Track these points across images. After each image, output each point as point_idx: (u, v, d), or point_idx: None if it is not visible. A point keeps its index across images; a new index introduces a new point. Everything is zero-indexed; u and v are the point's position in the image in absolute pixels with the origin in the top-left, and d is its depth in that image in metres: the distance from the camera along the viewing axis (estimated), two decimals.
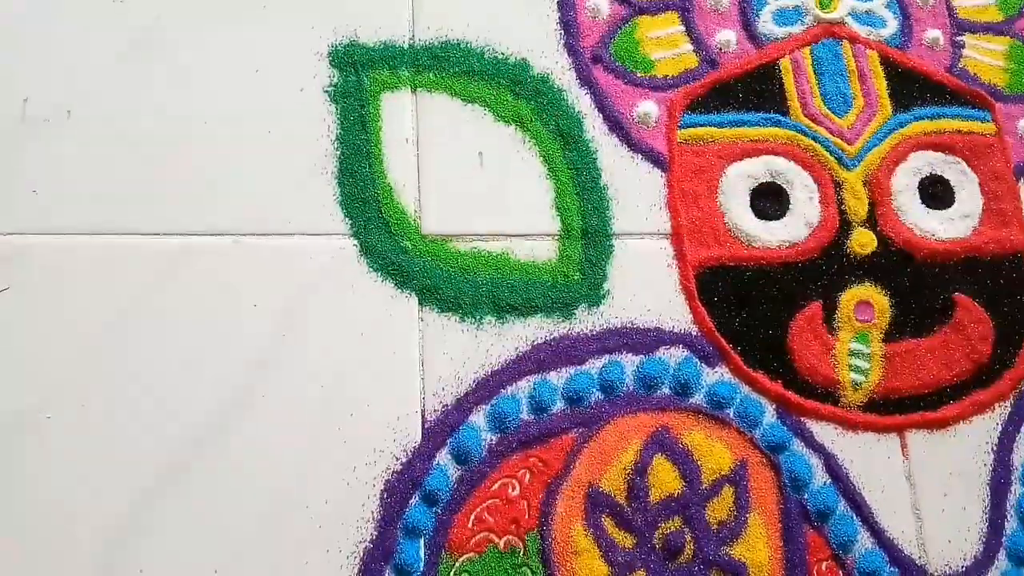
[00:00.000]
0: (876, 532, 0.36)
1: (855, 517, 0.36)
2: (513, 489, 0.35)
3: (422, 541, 0.34)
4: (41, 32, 0.37)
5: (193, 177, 0.36)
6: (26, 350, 0.33)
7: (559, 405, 0.36)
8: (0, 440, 0.32)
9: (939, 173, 0.42)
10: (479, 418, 0.35)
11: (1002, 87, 0.45)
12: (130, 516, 0.32)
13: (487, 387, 0.36)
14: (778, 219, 0.40)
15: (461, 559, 0.34)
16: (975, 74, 0.45)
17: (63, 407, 0.33)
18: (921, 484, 0.37)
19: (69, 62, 0.37)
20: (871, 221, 0.41)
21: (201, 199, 0.36)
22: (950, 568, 0.36)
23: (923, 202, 0.41)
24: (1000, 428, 0.39)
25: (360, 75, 0.39)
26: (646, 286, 0.38)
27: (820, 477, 0.37)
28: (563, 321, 0.37)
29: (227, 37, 0.38)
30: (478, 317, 0.37)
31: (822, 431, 0.37)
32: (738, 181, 0.40)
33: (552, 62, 0.41)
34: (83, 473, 0.32)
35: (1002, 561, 0.36)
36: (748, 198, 0.40)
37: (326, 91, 0.38)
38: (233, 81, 0.38)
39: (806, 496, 0.36)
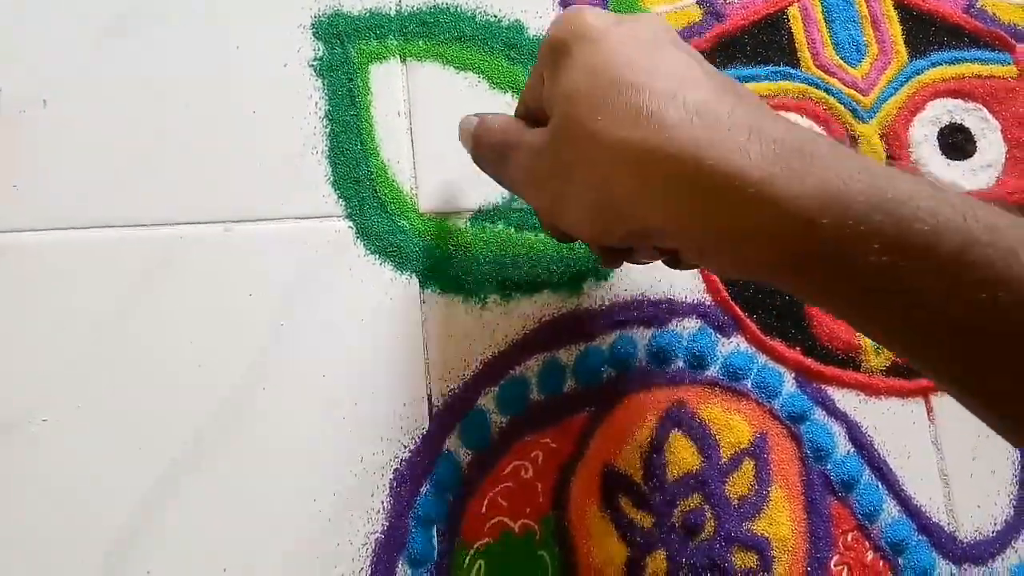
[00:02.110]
0: (903, 500, 0.35)
1: (880, 486, 0.35)
2: (526, 472, 0.34)
3: (435, 529, 0.33)
4: (13, 17, 0.36)
5: (177, 163, 0.35)
6: (15, 351, 0.32)
7: (570, 383, 0.35)
8: None
9: (959, 121, 0.40)
10: (488, 401, 0.34)
11: (1023, 27, 0.43)
12: (134, 517, 0.31)
13: (495, 368, 0.35)
14: None
15: (476, 546, 0.33)
16: (994, 14, 0.43)
17: (58, 409, 0.32)
18: (948, 449, 0.36)
19: (41, 50, 0.35)
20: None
21: (187, 186, 0.35)
22: (980, 534, 0.35)
23: (943, 153, 0.40)
24: None
25: (346, 47, 0.37)
26: None
27: (843, 446, 0.36)
28: (571, 296, 0.36)
29: (206, 14, 0.37)
30: (482, 296, 0.35)
31: (844, 398, 0.36)
32: None
33: (548, 23, 0.39)
34: (83, 475, 0.32)
35: None
36: None
37: (311, 65, 0.37)
38: (214, 60, 0.36)
39: (829, 466, 0.35)
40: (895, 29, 0.41)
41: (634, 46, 0.25)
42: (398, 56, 0.37)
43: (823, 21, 0.41)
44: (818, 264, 0.22)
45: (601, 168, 0.25)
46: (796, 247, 0.22)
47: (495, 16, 0.38)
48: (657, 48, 0.25)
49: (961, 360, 0.22)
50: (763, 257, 0.23)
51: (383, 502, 0.33)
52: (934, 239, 0.21)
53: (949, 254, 0.21)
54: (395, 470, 0.33)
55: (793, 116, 0.39)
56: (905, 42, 0.41)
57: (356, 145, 0.36)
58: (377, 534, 0.32)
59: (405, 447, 0.33)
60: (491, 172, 0.32)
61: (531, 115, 0.30)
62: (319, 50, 0.37)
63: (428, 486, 0.33)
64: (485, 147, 0.31)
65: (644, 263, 0.33)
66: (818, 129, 0.39)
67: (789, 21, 0.41)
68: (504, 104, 0.37)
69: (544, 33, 0.29)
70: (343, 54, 0.37)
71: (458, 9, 0.38)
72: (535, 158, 0.28)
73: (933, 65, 0.41)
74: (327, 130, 0.36)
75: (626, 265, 0.36)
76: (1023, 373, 0.22)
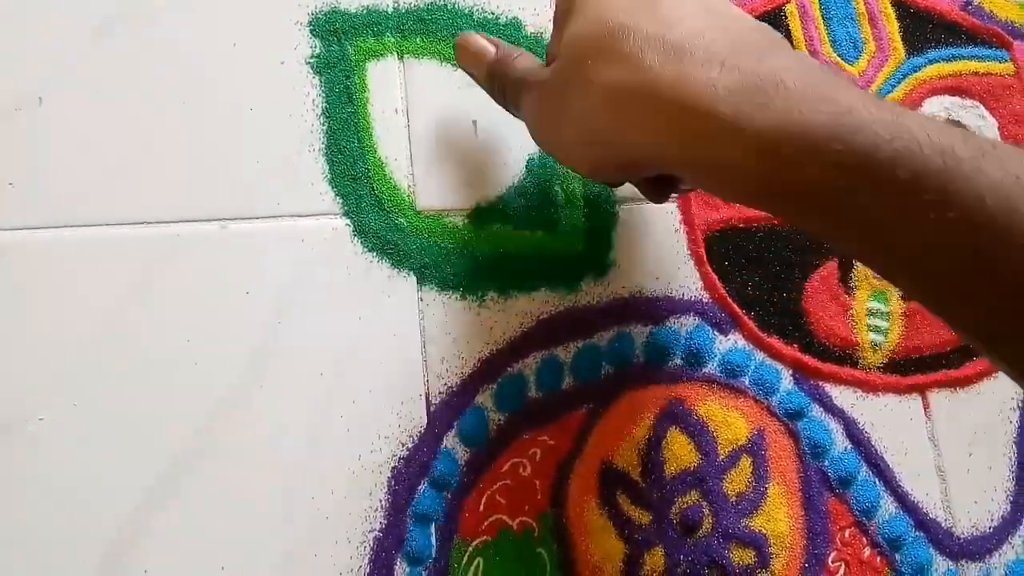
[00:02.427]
0: (900, 496, 0.35)
1: (878, 482, 0.35)
2: (524, 470, 0.34)
3: (433, 527, 0.33)
4: (6, 16, 0.35)
5: (174, 161, 0.35)
6: (12, 350, 0.32)
7: (568, 381, 0.35)
8: None
9: (957, 118, 0.40)
10: (486, 398, 0.34)
11: (1020, 24, 0.43)
12: (131, 516, 0.31)
13: (492, 366, 0.35)
14: None
15: (474, 544, 0.33)
16: (991, 11, 0.43)
17: (55, 408, 0.32)
18: (945, 445, 0.36)
19: (37, 46, 0.35)
20: None
21: (184, 184, 0.34)
22: (977, 529, 0.35)
23: None
24: None
25: (343, 44, 0.37)
26: (653, 253, 0.37)
27: (840, 443, 0.36)
28: (568, 293, 0.36)
29: (201, 11, 0.36)
30: (480, 294, 0.35)
31: (841, 395, 0.36)
32: None
33: (546, 20, 0.39)
34: (80, 474, 0.31)
35: None
36: None
37: (308, 62, 0.36)
38: (210, 57, 0.36)
39: (826, 463, 0.35)
40: (892, 26, 0.41)
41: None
42: (395, 53, 0.37)
43: (820, 18, 0.41)
44: (787, 192, 0.23)
45: (590, 108, 0.27)
46: (764, 177, 0.23)
47: (492, 13, 0.38)
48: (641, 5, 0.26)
49: (922, 279, 0.23)
50: (739, 187, 0.25)
51: (381, 500, 0.33)
52: (889, 165, 0.22)
53: (904, 180, 0.22)
54: (393, 468, 0.33)
55: None
56: (902, 39, 0.41)
57: (353, 142, 0.36)
58: (375, 532, 0.32)
59: (403, 445, 0.33)
60: (500, 103, 0.33)
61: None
62: (316, 47, 0.37)
63: (426, 484, 0.33)
64: (500, 79, 0.32)
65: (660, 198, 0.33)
66: None
67: (787, 18, 0.41)
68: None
69: None
70: (340, 51, 0.37)
71: (455, 6, 0.38)
72: (542, 99, 0.29)
73: (930, 62, 0.41)
74: (324, 127, 0.36)
75: (623, 262, 0.36)
76: (975, 287, 0.22)
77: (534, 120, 0.31)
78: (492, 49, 0.33)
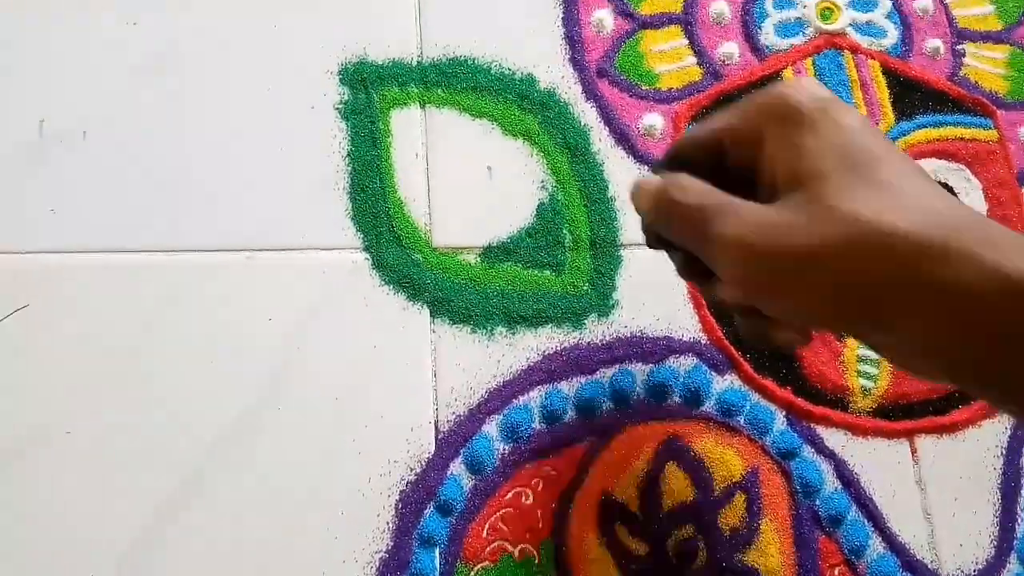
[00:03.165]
0: (888, 537, 0.36)
1: (867, 522, 0.37)
2: (527, 498, 0.35)
3: (437, 551, 0.34)
4: (57, 54, 0.38)
5: (207, 195, 0.37)
6: (46, 366, 0.34)
7: (570, 414, 0.37)
8: (21, 454, 0.33)
9: (944, 180, 0.43)
10: (492, 428, 0.36)
11: (1003, 95, 0.45)
12: (147, 529, 0.33)
13: (499, 397, 0.36)
14: None
15: (476, 568, 0.34)
16: (976, 82, 0.45)
17: (82, 422, 0.33)
18: (932, 488, 0.37)
19: (84, 84, 0.38)
20: None
21: (215, 216, 0.37)
22: (962, 572, 0.36)
23: None
24: (1009, 432, 0.39)
25: (370, 92, 0.39)
26: (655, 295, 0.39)
27: (831, 483, 0.37)
28: (573, 331, 0.38)
29: (239, 57, 0.39)
30: (489, 328, 0.37)
31: (832, 437, 0.38)
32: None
33: (558, 76, 0.41)
34: (101, 486, 0.33)
35: (1013, 564, 0.37)
36: None
37: (337, 108, 0.39)
38: (245, 100, 0.38)
39: (817, 502, 0.37)
40: (883, 93, 0.44)
41: (871, 135, 0.25)
42: (418, 102, 0.40)
43: None
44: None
45: (857, 250, 0.23)
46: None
47: (509, 69, 0.41)
48: (884, 141, 0.25)
49: None
50: (996, 357, 0.23)
51: (388, 522, 0.34)
52: None
53: None
54: (401, 492, 0.34)
55: None
56: (892, 105, 0.44)
57: (375, 183, 0.38)
58: (382, 553, 0.34)
59: (411, 470, 0.35)
60: (676, 240, 0.29)
61: (702, 155, 0.29)
62: (345, 94, 0.39)
63: (432, 508, 0.34)
64: (677, 215, 0.27)
65: (780, 342, 0.30)
66: None
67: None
68: (515, 149, 0.40)
69: (772, 88, 0.27)
70: (367, 99, 0.39)
71: (475, 61, 0.41)
72: (765, 229, 0.25)
73: (919, 127, 0.44)
74: (349, 168, 0.38)
75: (626, 304, 0.38)
76: None
77: (745, 243, 0.25)
78: (655, 181, 0.29)
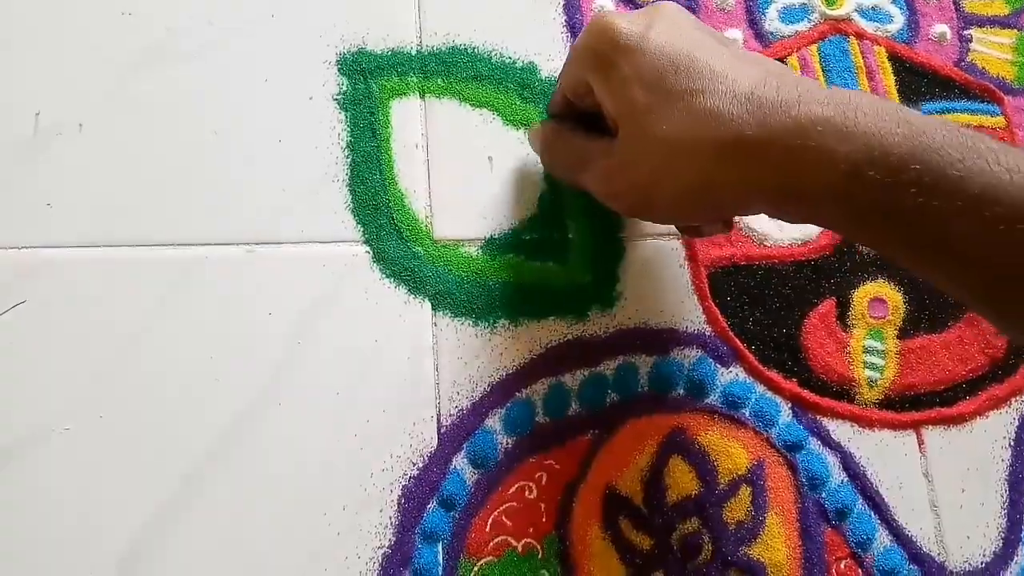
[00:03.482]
0: (894, 529, 0.36)
1: (873, 515, 0.36)
2: (530, 492, 0.35)
3: (440, 546, 0.34)
4: (52, 46, 0.38)
5: (205, 187, 0.37)
6: (43, 362, 0.34)
7: (574, 407, 0.36)
8: (20, 451, 0.32)
9: None
10: (494, 421, 0.36)
11: (1010, 80, 0.45)
12: (148, 526, 0.32)
13: (502, 390, 0.36)
14: None
15: (480, 563, 0.34)
16: (983, 68, 0.45)
17: (81, 419, 0.33)
18: (939, 480, 0.37)
19: (80, 76, 0.37)
20: None
21: (213, 209, 0.36)
22: (969, 564, 0.36)
23: None
24: (1017, 423, 0.38)
25: (369, 82, 0.39)
26: (658, 287, 0.38)
27: (837, 475, 0.37)
28: (576, 323, 0.37)
29: (236, 48, 0.39)
30: (491, 321, 0.37)
31: (838, 429, 0.37)
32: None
33: (560, 65, 0.41)
34: (101, 484, 0.33)
35: (1021, 556, 0.36)
36: None
37: (335, 99, 0.39)
38: (243, 91, 0.38)
39: (823, 495, 0.36)
40: (889, 80, 0.44)
41: (673, 50, 0.29)
42: (418, 92, 0.39)
43: (820, 70, 0.43)
44: (873, 213, 0.26)
45: (680, 167, 0.28)
46: (852, 199, 0.26)
47: (510, 58, 0.40)
48: (693, 46, 0.29)
49: (982, 283, 0.26)
50: (829, 213, 0.27)
51: (391, 517, 0.34)
52: (961, 183, 0.24)
53: (974, 195, 0.24)
54: (403, 487, 0.34)
55: None
56: (898, 92, 0.43)
57: (375, 174, 0.38)
58: (384, 549, 0.33)
59: (414, 464, 0.35)
60: (565, 178, 0.37)
61: (571, 108, 0.34)
62: (343, 85, 0.39)
63: (435, 503, 0.34)
64: (560, 158, 0.35)
65: (707, 234, 0.36)
66: None
67: None
68: (516, 139, 0.39)
69: (579, 40, 0.32)
70: (366, 89, 0.39)
71: (475, 50, 0.40)
72: (614, 172, 0.31)
73: (925, 114, 0.43)
74: (348, 160, 0.38)
75: (629, 295, 0.38)
76: None
77: (607, 192, 0.33)
78: (547, 128, 0.36)
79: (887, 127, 0.25)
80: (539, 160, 0.38)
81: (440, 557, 0.34)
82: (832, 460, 0.37)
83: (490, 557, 0.34)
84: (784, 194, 0.27)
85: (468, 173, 0.38)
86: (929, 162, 0.25)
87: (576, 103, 0.34)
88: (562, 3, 0.42)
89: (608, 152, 0.31)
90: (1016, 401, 0.39)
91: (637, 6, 0.43)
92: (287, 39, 0.39)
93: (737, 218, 0.39)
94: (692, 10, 0.43)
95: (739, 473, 0.36)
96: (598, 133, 0.32)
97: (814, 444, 0.37)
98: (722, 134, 0.27)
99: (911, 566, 0.36)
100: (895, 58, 0.44)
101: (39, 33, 0.38)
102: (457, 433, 0.35)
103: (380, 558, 0.33)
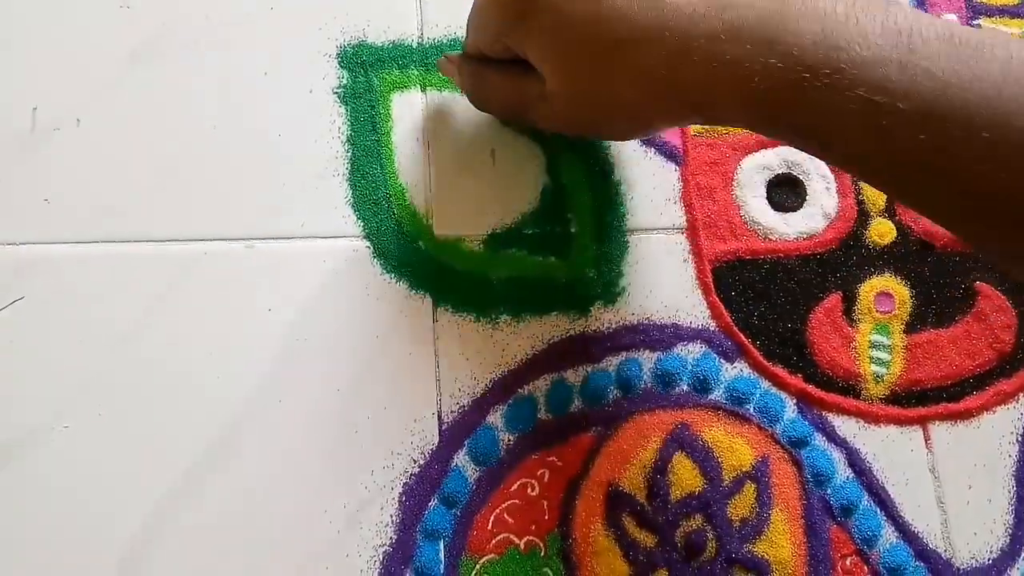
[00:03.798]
0: (900, 526, 0.36)
1: (879, 511, 0.36)
2: (532, 490, 0.35)
3: (442, 544, 0.34)
4: (48, 41, 0.37)
5: (204, 182, 0.36)
6: (42, 359, 0.33)
7: (577, 404, 0.36)
8: (20, 449, 0.32)
9: None
10: (496, 418, 0.35)
11: None
12: (148, 524, 0.32)
13: (504, 387, 0.36)
14: (795, 211, 0.39)
15: (481, 561, 0.34)
16: None
17: (81, 416, 0.33)
18: (945, 476, 0.37)
19: (76, 70, 0.37)
20: (889, 210, 0.40)
21: (213, 204, 0.36)
22: (976, 561, 0.36)
23: None
24: None
25: (369, 75, 0.38)
26: (662, 282, 0.38)
27: (843, 471, 0.36)
28: (579, 319, 0.37)
29: (235, 41, 0.38)
30: (493, 316, 0.36)
31: (844, 425, 0.37)
32: (753, 173, 0.40)
33: None
34: (101, 482, 0.32)
35: None
36: (764, 190, 0.40)
37: (335, 92, 0.38)
38: (242, 84, 0.38)
39: (829, 491, 0.36)
40: None
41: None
42: (419, 85, 0.39)
43: None
44: (758, 98, 0.26)
45: (622, 84, 0.29)
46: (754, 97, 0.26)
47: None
48: None
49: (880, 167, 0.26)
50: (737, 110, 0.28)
51: (392, 515, 0.34)
52: (818, 60, 0.25)
53: (830, 72, 0.24)
54: (404, 484, 0.34)
55: (796, 151, 0.40)
56: None
57: (376, 169, 0.37)
58: (385, 547, 0.33)
59: (415, 462, 0.34)
60: (500, 117, 0.38)
61: (482, 55, 0.35)
62: (343, 78, 0.38)
63: (436, 501, 0.34)
64: (495, 98, 0.36)
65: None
66: (819, 165, 0.40)
67: None
68: (519, 133, 0.39)
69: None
70: (366, 82, 0.38)
71: None
72: (563, 106, 0.32)
73: None
74: (348, 154, 0.37)
75: (633, 290, 0.37)
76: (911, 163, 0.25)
77: (562, 125, 0.34)
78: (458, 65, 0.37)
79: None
80: (546, 167, 0.38)
81: (442, 555, 0.33)
82: (838, 456, 0.37)
83: (492, 555, 0.34)
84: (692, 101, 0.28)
85: (470, 167, 0.38)
86: (785, 40, 0.25)
87: (490, 54, 0.34)
88: None
89: (543, 95, 0.32)
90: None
91: None
92: (286, 32, 0.39)
93: (742, 213, 0.39)
94: None
95: (743, 469, 0.36)
96: (519, 68, 0.32)
97: (819, 440, 0.37)
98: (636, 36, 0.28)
99: (917, 563, 0.36)
100: None
101: (35, 27, 0.37)
102: (459, 430, 0.35)
103: (381, 556, 0.33)
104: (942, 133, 0.24)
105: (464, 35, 0.39)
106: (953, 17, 0.44)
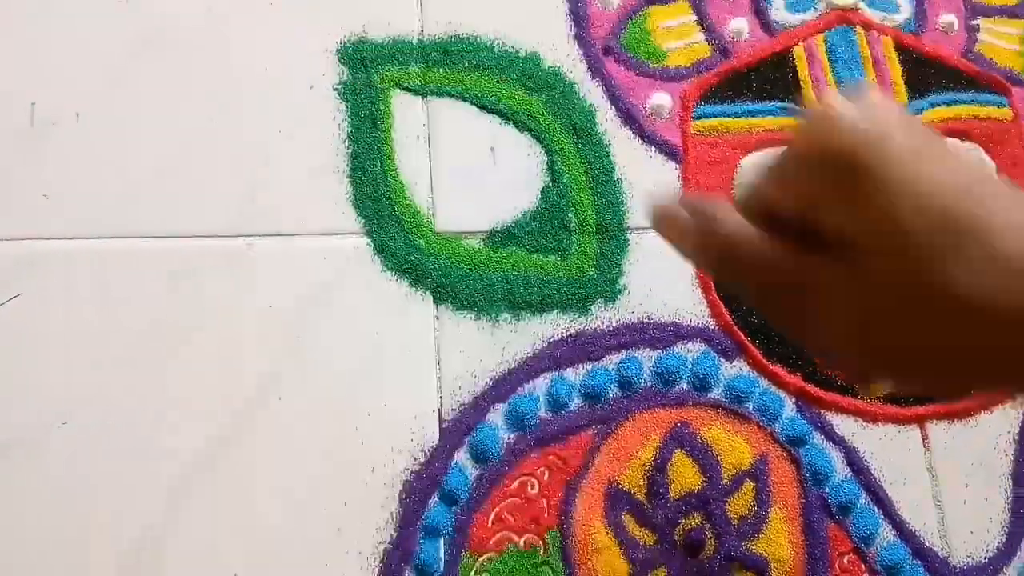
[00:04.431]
0: (898, 524, 0.36)
1: (877, 510, 0.36)
2: (532, 487, 0.35)
3: (442, 541, 0.34)
4: (47, 35, 0.37)
5: (204, 179, 0.36)
6: (41, 355, 0.33)
7: (577, 402, 0.36)
8: (19, 447, 0.32)
9: None
10: (496, 416, 0.35)
11: (1018, 71, 0.44)
12: (149, 520, 0.32)
13: (504, 385, 0.36)
14: None
15: (481, 559, 0.34)
16: (991, 58, 0.44)
17: (80, 413, 0.33)
18: (943, 475, 0.37)
19: (75, 65, 0.37)
20: None
21: (213, 200, 0.36)
22: (973, 559, 0.36)
23: None
24: (1021, 418, 0.38)
25: (370, 72, 0.38)
26: (662, 280, 0.38)
27: (841, 470, 0.36)
28: (579, 317, 0.37)
29: (235, 36, 0.38)
30: (494, 314, 0.36)
31: (842, 424, 0.37)
32: (753, 172, 0.40)
33: (563, 55, 0.40)
34: (101, 478, 0.32)
35: None
36: None
37: (336, 89, 0.38)
38: (242, 80, 0.37)
39: (827, 489, 0.36)
40: (895, 70, 0.43)
41: (952, 172, 0.20)
42: (419, 82, 0.39)
43: (827, 61, 0.43)
44: None
45: (962, 324, 0.20)
46: None
47: (512, 47, 0.40)
48: (973, 179, 0.20)
49: None
50: None
51: (393, 512, 0.34)
52: None
53: None
54: (405, 482, 0.34)
55: None
56: (905, 83, 0.43)
57: (376, 166, 0.37)
58: (386, 544, 0.33)
59: (415, 459, 0.34)
60: (748, 302, 0.26)
61: (757, 218, 0.23)
62: (344, 75, 0.38)
63: (436, 498, 0.34)
64: (756, 277, 0.23)
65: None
66: None
67: (794, 60, 0.42)
68: (518, 130, 0.38)
69: (811, 142, 0.21)
70: (366, 79, 0.38)
71: (477, 40, 0.40)
72: (847, 305, 0.22)
73: (932, 106, 0.43)
74: (349, 151, 0.37)
75: (633, 289, 0.37)
76: None
77: (831, 335, 0.22)
78: (703, 218, 0.24)
79: None
80: (546, 165, 0.37)
81: (442, 552, 0.33)
82: (836, 455, 0.37)
83: (492, 552, 0.34)
84: None
85: (470, 164, 0.38)
86: None
87: (781, 212, 0.23)
88: None
89: (839, 280, 0.22)
90: (1021, 397, 0.38)
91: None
92: (287, 28, 0.39)
93: None
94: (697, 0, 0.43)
95: (742, 468, 0.36)
96: (789, 241, 0.22)
97: (818, 439, 0.37)
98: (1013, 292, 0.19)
99: (914, 561, 0.36)
100: (902, 48, 0.44)
101: (35, 21, 0.37)
102: (459, 428, 0.35)
103: (381, 553, 0.33)
104: None
105: (463, 32, 0.39)
106: (952, 17, 0.44)
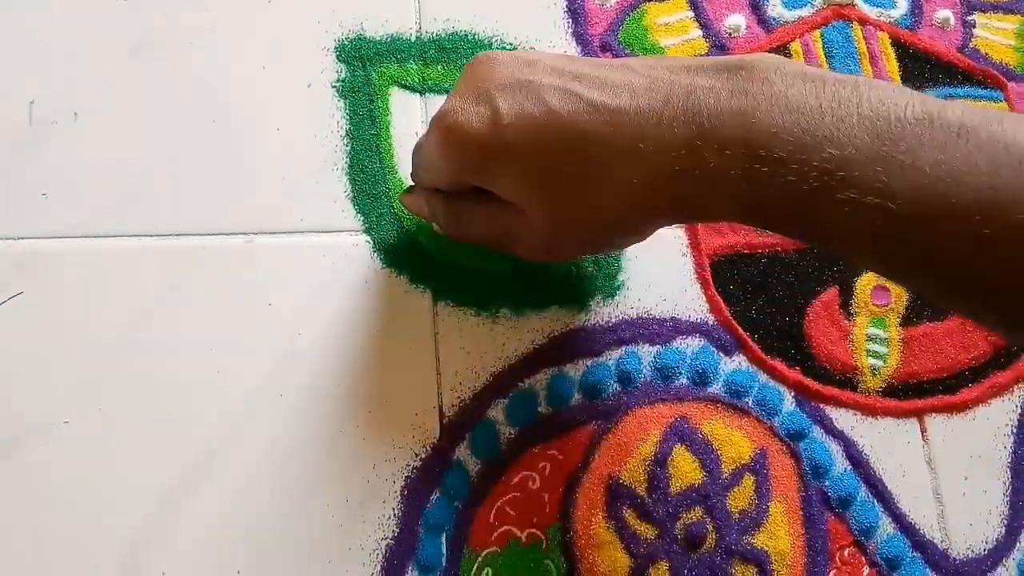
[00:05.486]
0: (897, 517, 0.36)
1: (876, 503, 0.36)
2: (533, 483, 0.35)
3: (444, 537, 0.34)
4: (45, 33, 0.37)
5: (203, 177, 0.36)
6: (42, 355, 0.33)
7: (577, 397, 0.36)
8: (20, 445, 0.32)
9: None
10: (497, 412, 0.35)
11: (1014, 66, 0.44)
12: (149, 519, 0.32)
13: (504, 381, 0.36)
14: None
15: (483, 554, 0.34)
16: (986, 54, 0.44)
17: (81, 411, 0.33)
18: (941, 468, 0.37)
19: (74, 63, 0.37)
20: None
21: (212, 199, 0.36)
22: (972, 551, 0.36)
23: None
24: (1020, 410, 0.38)
25: (368, 69, 0.38)
26: (661, 276, 0.38)
27: (840, 464, 0.37)
28: (579, 313, 0.37)
29: (233, 35, 0.38)
30: (494, 310, 0.36)
31: (841, 418, 0.37)
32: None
33: (561, 51, 0.40)
34: (102, 477, 0.32)
35: (1023, 544, 0.37)
36: None
37: (334, 86, 0.38)
38: (240, 78, 0.37)
39: (827, 483, 0.36)
40: (892, 66, 0.43)
41: (535, 136, 0.28)
42: (417, 79, 0.39)
43: (823, 56, 0.43)
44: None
45: (609, 207, 0.29)
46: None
47: (511, 44, 0.40)
48: (545, 112, 0.27)
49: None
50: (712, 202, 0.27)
51: (394, 509, 0.34)
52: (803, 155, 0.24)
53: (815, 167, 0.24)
54: (406, 478, 0.34)
55: None
56: (901, 78, 0.43)
57: (375, 163, 0.37)
58: (388, 540, 0.33)
59: (416, 455, 0.34)
60: (483, 244, 0.35)
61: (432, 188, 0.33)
62: (342, 72, 0.38)
63: (438, 494, 0.34)
64: (477, 231, 0.33)
65: None
66: None
67: (791, 56, 0.43)
68: None
69: (436, 147, 0.31)
70: (365, 76, 0.38)
71: (475, 36, 0.40)
72: (550, 235, 0.31)
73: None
74: (347, 148, 0.37)
75: (632, 284, 0.38)
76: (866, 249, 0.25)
77: (559, 248, 0.32)
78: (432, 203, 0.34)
79: (726, 118, 0.25)
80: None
81: (444, 548, 0.33)
82: (835, 448, 0.37)
83: (494, 548, 0.34)
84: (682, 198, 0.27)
85: None
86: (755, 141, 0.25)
87: (449, 190, 0.33)
88: None
89: (526, 225, 0.30)
90: (1019, 388, 0.39)
91: None
92: (284, 25, 0.39)
93: None
94: None
95: (742, 462, 0.36)
96: (496, 199, 0.31)
97: (817, 433, 0.37)
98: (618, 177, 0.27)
99: (914, 553, 0.36)
100: (898, 44, 0.44)
101: (33, 19, 0.37)
102: (460, 423, 0.35)
103: (384, 549, 0.33)
104: (938, 232, 0.22)
105: (461, 29, 0.39)
106: (948, 13, 0.45)
